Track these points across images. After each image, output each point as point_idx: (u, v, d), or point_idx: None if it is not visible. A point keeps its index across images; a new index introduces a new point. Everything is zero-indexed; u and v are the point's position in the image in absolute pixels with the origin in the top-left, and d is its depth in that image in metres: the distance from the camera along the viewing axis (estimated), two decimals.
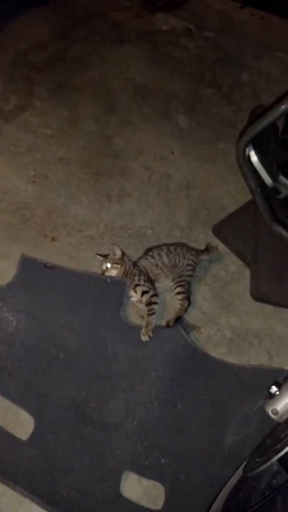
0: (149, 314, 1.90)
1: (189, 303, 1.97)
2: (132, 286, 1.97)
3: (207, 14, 3.69)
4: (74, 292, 1.98)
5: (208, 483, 1.57)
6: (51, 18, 3.37)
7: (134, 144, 2.66)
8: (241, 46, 3.43)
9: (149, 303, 1.93)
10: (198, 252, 2.14)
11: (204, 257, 2.16)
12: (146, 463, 1.65)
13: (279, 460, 1.07)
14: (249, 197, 2.04)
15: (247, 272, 2.14)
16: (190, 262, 2.07)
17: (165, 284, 2.06)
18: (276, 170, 1.87)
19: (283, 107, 1.56)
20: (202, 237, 2.27)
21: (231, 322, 2.02)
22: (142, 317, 1.93)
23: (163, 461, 1.66)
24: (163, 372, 1.81)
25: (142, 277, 1.99)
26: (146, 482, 1.63)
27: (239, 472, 1.33)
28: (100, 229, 2.25)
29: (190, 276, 2.05)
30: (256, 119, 1.61)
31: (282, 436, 1.24)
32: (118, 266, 2.00)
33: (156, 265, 2.05)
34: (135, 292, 1.97)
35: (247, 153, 1.72)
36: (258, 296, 2.05)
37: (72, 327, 1.89)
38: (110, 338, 1.88)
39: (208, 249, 2.18)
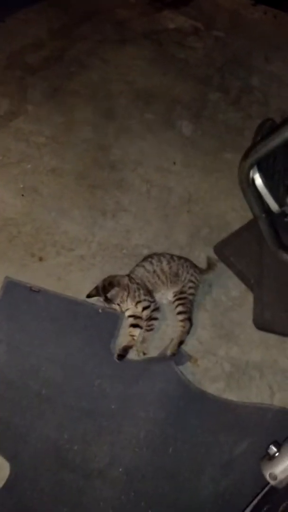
0: (147, 330, 1.86)
1: (191, 325, 1.89)
2: (134, 303, 1.89)
3: (216, 12, 3.54)
4: (61, 320, 1.86)
5: None
6: (50, 15, 3.18)
7: (133, 154, 2.50)
8: (252, 47, 3.30)
9: (149, 318, 1.88)
10: (202, 271, 2.06)
11: (207, 275, 2.07)
12: None
13: None
14: None
15: (250, 297, 2.03)
16: (193, 279, 1.98)
17: (162, 293, 1.96)
18: (283, 194, 1.70)
19: None
20: (203, 256, 2.15)
21: (231, 353, 1.92)
22: (138, 352, 1.82)
23: None
24: (153, 412, 1.70)
25: (142, 291, 1.91)
26: None
27: None
28: (92, 247, 2.11)
29: (192, 294, 1.96)
30: (262, 140, 1.44)
31: (281, 508, 1.13)
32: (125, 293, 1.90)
33: (154, 272, 1.96)
34: (136, 308, 1.89)
35: (251, 176, 1.56)
36: (261, 324, 1.94)
37: (57, 359, 1.77)
38: (98, 373, 1.76)
39: (210, 265, 2.09)
